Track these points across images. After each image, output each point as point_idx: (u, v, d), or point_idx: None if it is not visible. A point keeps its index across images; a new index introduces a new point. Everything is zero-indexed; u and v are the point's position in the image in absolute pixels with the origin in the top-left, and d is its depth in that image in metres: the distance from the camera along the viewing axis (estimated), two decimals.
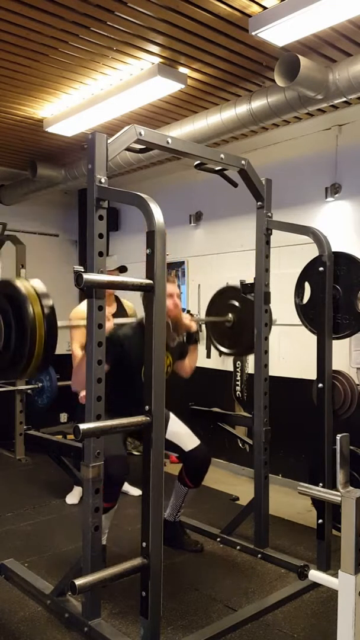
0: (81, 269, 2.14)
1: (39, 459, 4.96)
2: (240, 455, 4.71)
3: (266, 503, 3.13)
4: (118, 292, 4.05)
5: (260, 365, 3.11)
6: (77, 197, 6.26)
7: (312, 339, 2.98)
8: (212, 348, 3.99)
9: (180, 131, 4.09)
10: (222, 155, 2.80)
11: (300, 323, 3.16)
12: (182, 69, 3.48)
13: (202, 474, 3.14)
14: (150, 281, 2.03)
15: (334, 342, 2.95)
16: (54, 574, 2.85)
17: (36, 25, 2.98)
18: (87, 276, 1.98)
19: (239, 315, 3.48)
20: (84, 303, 2.94)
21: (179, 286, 3.30)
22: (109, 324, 2.63)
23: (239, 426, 3.83)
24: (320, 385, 2.91)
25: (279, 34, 2.84)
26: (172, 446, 3.03)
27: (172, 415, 3.13)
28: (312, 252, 2.97)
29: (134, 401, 2.26)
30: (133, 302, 4.02)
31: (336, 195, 4.16)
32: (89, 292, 2.22)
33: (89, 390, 2.25)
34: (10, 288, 2.20)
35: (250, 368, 4.51)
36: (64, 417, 6.33)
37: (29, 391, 4.94)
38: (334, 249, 2.92)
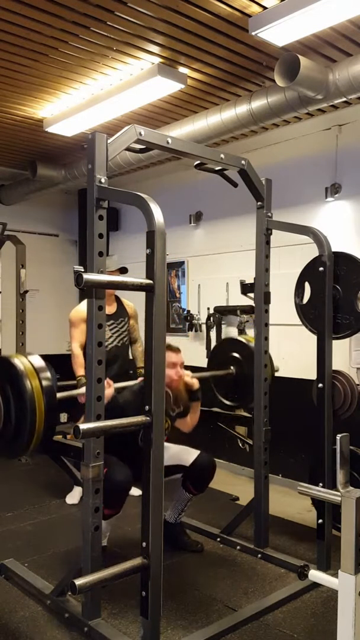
0: (81, 269, 2.15)
1: (39, 459, 4.94)
2: (240, 455, 4.70)
3: (266, 503, 3.13)
4: (118, 292, 4.05)
5: (260, 365, 3.11)
6: (77, 197, 6.26)
7: (312, 339, 2.98)
8: (212, 348, 3.96)
9: (180, 131, 4.09)
10: (222, 155, 2.80)
11: (300, 323, 3.16)
12: (182, 69, 3.48)
13: (208, 481, 3.13)
14: (150, 281, 2.03)
15: (334, 342, 2.95)
16: (54, 574, 2.86)
17: (36, 25, 2.98)
18: (87, 276, 1.98)
19: (241, 368, 3.44)
20: (84, 303, 2.94)
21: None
22: (109, 390, 2.58)
23: (239, 426, 3.82)
24: (320, 385, 2.91)
25: (279, 34, 2.84)
26: (172, 469, 2.98)
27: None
28: (312, 252, 2.97)
29: (132, 468, 2.25)
30: (134, 302, 4.02)
31: (336, 195, 4.16)
32: (89, 292, 2.22)
33: (89, 390, 2.25)
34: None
35: None
36: (64, 417, 6.32)
37: None
38: (334, 249, 2.92)
